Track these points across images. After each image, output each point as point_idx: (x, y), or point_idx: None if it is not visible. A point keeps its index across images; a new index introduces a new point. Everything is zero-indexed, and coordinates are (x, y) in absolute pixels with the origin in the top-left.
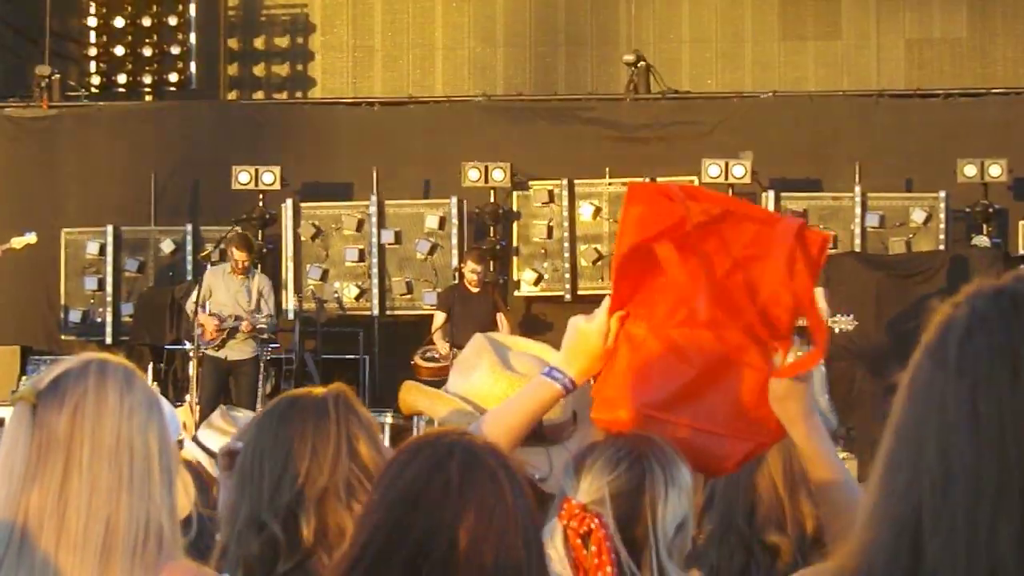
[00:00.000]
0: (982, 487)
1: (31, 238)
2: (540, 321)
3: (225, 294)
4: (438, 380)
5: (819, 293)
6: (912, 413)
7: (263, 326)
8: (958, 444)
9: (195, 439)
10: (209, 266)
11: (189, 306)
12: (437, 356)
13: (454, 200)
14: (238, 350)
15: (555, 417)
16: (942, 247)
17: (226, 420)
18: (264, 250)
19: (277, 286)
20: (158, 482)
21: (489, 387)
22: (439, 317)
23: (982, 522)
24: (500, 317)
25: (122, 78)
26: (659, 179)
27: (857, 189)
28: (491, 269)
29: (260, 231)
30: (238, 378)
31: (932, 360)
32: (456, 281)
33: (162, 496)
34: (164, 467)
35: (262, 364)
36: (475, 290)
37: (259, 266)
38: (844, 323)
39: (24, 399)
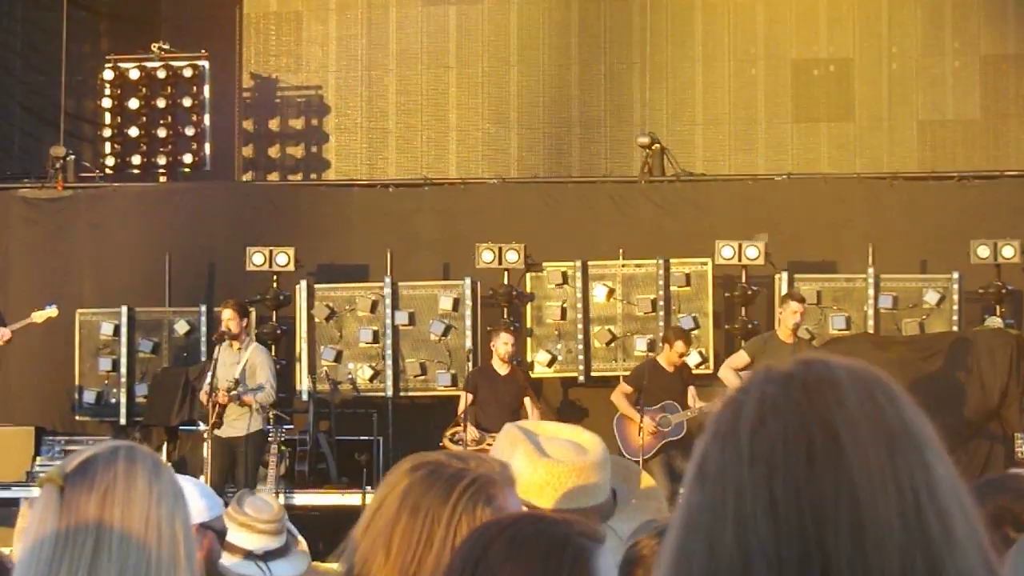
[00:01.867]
0: (783, 570)
1: (52, 311)
2: (555, 403)
3: (220, 369)
4: None
5: None
6: (705, 499)
7: (236, 393)
8: (756, 530)
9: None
10: (203, 351)
11: (204, 386)
12: (467, 441)
13: (468, 281)
14: (231, 427)
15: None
16: (955, 328)
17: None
18: (278, 331)
19: (291, 367)
20: (184, 569)
21: (529, 475)
22: (465, 399)
23: None
24: (528, 401)
25: (136, 159)
26: (673, 260)
27: (870, 271)
28: None
29: (274, 312)
30: (237, 457)
31: (724, 446)
32: (471, 362)
33: None
34: (188, 554)
35: (275, 443)
36: (504, 371)
37: (253, 336)
38: None
39: (52, 481)
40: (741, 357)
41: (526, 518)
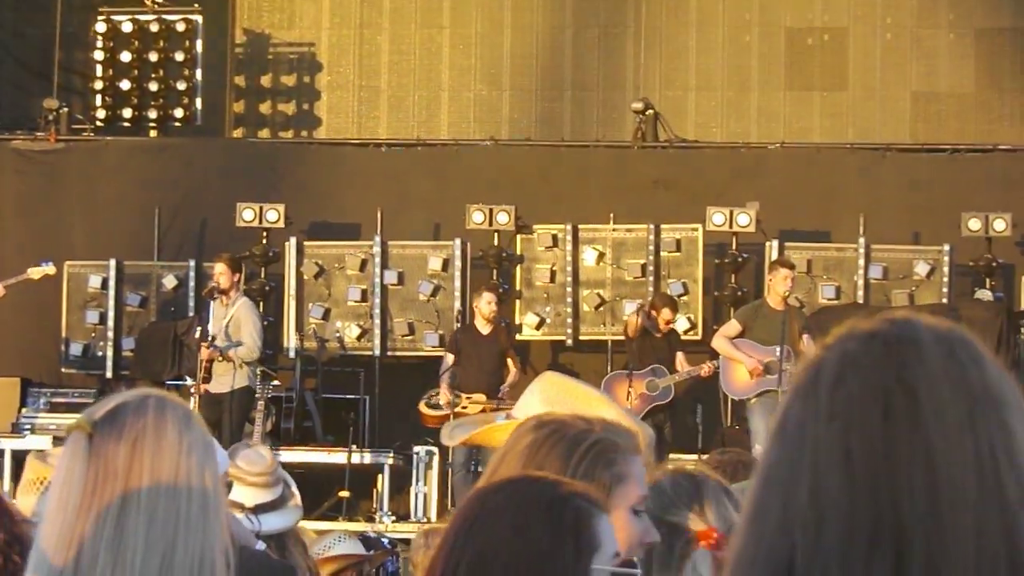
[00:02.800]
0: (855, 527)
1: (50, 268)
2: (542, 366)
3: (213, 324)
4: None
5: (806, 340)
6: (783, 455)
7: (217, 347)
8: (830, 485)
9: None
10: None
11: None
12: (441, 403)
13: (458, 242)
14: (219, 382)
15: None
16: (945, 300)
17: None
18: (267, 288)
19: (278, 324)
20: (212, 520)
21: None
22: (448, 359)
23: (856, 561)
24: (509, 361)
25: (127, 112)
26: (663, 226)
27: (861, 241)
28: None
29: (263, 268)
30: (222, 413)
31: (803, 403)
32: (459, 323)
33: (216, 534)
34: (218, 506)
35: (262, 399)
36: (485, 332)
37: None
38: None
39: (80, 429)
40: (733, 326)
41: (528, 477)
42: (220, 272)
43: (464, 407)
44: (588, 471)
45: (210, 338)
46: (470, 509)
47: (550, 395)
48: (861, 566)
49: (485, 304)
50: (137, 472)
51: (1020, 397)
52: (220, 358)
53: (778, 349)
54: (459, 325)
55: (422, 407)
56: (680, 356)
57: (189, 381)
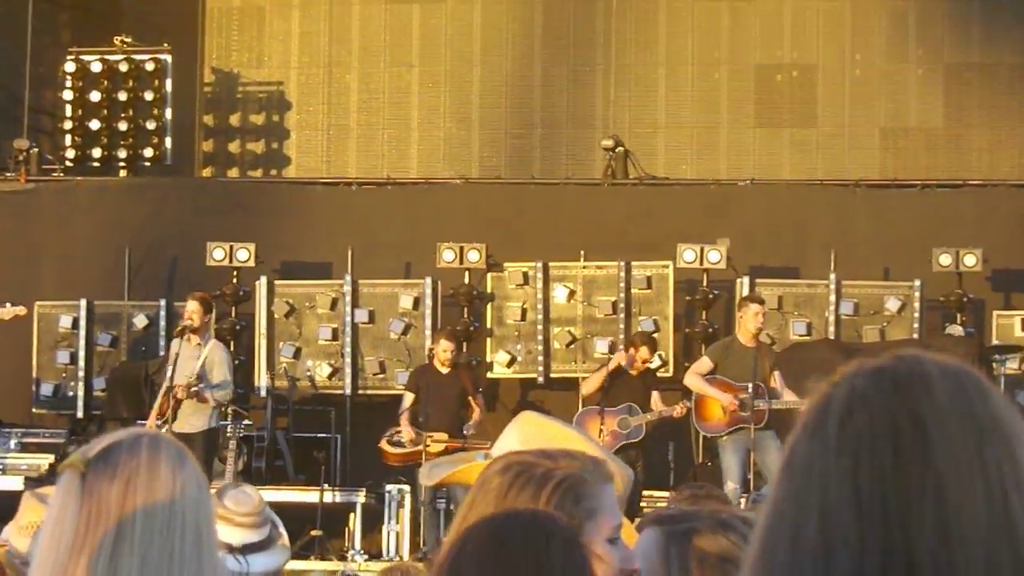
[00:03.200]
0: (866, 561)
1: (20, 309)
2: (513, 403)
3: (179, 365)
4: (405, 466)
5: (777, 377)
6: (791, 490)
7: (196, 388)
8: (840, 520)
9: None
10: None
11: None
12: (404, 441)
13: (428, 280)
14: (186, 422)
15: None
16: (916, 336)
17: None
18: (238, 327)
19: (249, 363)
20: (206, 559)
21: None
22: (408, 398)
23: None
24: (472, 401)
25: (97, 152)
26: (634, 263)
27: (832, 277)
28: (463, 350)
29: (234, 308)
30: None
31: (812, 438)
32: (427, 361)
33: (210, 573)
34: (211, 545)
35: (233, 439)
36: (445, 371)
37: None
38: None
39: (73, 467)
40: (704, 363)
41: (513, 511)
42: (193, 310)
43: (427, 445)
44: (558, 509)
45: (195, 378)
46: (453, 553)
47: (528, 434)
48: None
49: (441, 351)
50: (131, 511)
51: None
52: (197, 399)
53: (750, 386)
54: (419, 365)
55: (383, 445)
56: (655, 396)
57: (151, 421)
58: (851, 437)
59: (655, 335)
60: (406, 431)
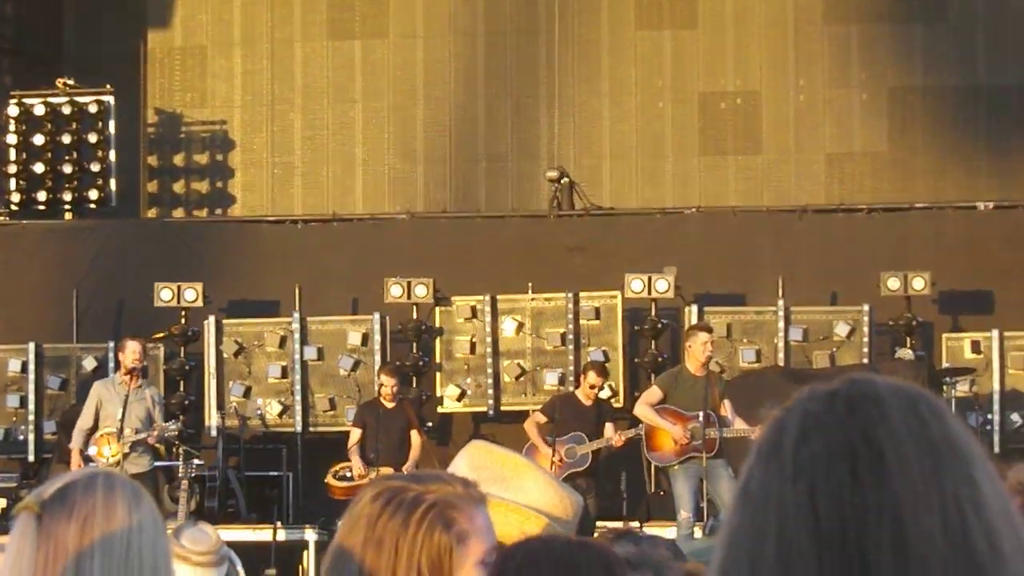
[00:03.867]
0: None
1: None
2: (464, 437)
3: (117, 407)
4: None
5: (727, 405)
6: (748, 516)
7: (172, 434)
8: (798, 545)
9: None
10: (96, 382)
11: (80, 425)
12: (350, 475)
13: (377, 316)
14: (135, 463)
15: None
16: (866, 360)
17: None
18: (187, 367)
19: (199, 402)
20: None
21: (549, 497)
22: (355, 433)
23: None
24: (414, 434)
25: (42, 195)
26: (582, 294)
27: (780, 303)
28: (413, 384)
29: (183, 348)
30: None
31: (767, 464)
32: (373, 397)
33: None
34: None
35: (185, 479)
36: (390, 405)
37: (161, 379)
38: None
39: (29, 509)
40: (654, 392)
41: (548, 537)
42: (138, 352)
43: (372, 478)
44: (427, 534)
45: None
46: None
47: (476, 462)
48: None
49: (383, 387)
50: (88, 550)
51: (983, 452)
52: (160, 443)
53: (700, 415)
54: (366, 400)
55: (330, 480)
56: (609, 427)
57: (76, 460)
58: (807, 461)
59: (606, 365)
60: (356, 465)
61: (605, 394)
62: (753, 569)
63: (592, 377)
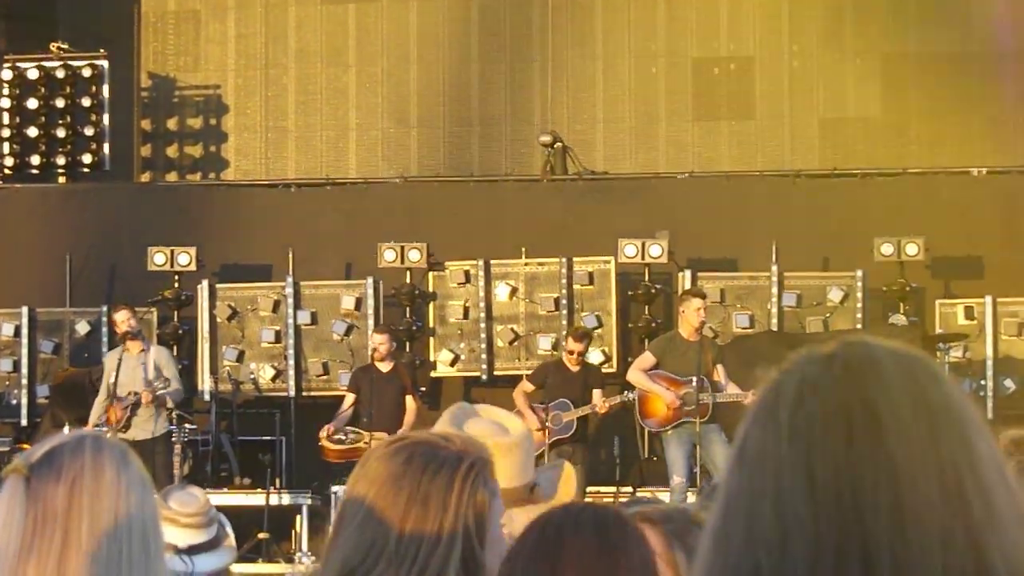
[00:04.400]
0: (821, 545)
1: None
2: (454, 402)
3: (123, 374)
4: (346, 462)
5: (720, 370)
6: (744, 478)
7: (163, 392)
8: (794, 507)
9: None
10: (104, 348)
11: (99, 398)
12: (343, 438)
13: (370, 281)
14: (142, 428)
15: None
16: (859, 326)
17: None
18: (180, 332)
19: (192, 367)
20: (154, 558)
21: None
22: (348, 398)
23: None
24: (409, 399)
25: (35, 159)
26: (576, 259)
27: (774, 268)
28: (407, 349)
29: (176, 312)
30: (147, 458)
31: (764, 426)
32: (369, 362)
33: (157, 573)
34: (158, 545)
35: (178, 443)
36: (385, 370)
37: (154, 339)
38: None
39: (17, 472)
40: (647, 358)
41: (585, 505)
42: (126, 318)
43: (367, 442)
44: (472, 491)
45: (163, 381)
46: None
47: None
48: None
49: (375, 347)
50: (76, 513)
51: (980, 414)
52: (159, 403)
53: (693, 380)
54: (360, 365)
55: (324, 441)
56: (597, 393)
57: (105, 430)
58: (803, 423)
59: (599, 331)
60: (334, 426)
61: (597, 359)
62: (750, 530)
63: (571, 343)
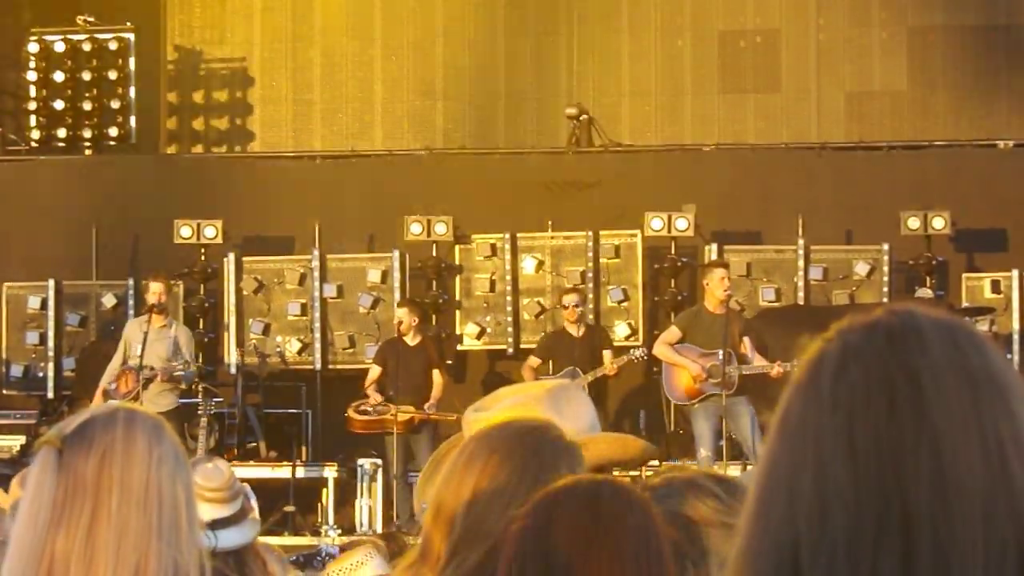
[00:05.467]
0: (862, 516)
1: None
2: (482, 375)
3: (139, 345)
4: (370, 433)
5: (747, 343)
6: (784, 449)
7: (180, 374)
8: (835, 477)
9: None
10: (129, 319)
11: (113, 364)
12: (369, 409)
13: (396, 254)
14: (153, 403)
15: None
16: (885, 299)
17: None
18: (206, 304)
19: (218, 339)
20: (186, 531)
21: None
22: (374, 371)
23: (863, 550)
24: (436, 373)
25: (62, 132)
26: (602, 232)
27: (800, 242)
28: (433, 322)
29: (202, 285)
30: None
31: (805, 395)
32: (395, 335)
33: (190, 546)
34: (191, 518)
35: (204, 416)
36: (412, 343)
37: (180, 317)
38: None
39: (50, 443)
40: (673, 332)
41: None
42: (159, 291)
43: (393, 414)
44: (556, 467)
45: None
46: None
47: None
48: (869, 555)
49: (401, 320)
50: (107, 485)
51: (1022, 383)
52: (173, 382)
53: (720, 353)
54: (387, 338)
55: (350, 412)
56: (607, 354)
57: (98, 397)
58: (845, 392)
59: (625, 304)
60: (373, 397)
61: (624, 332)
62: (791, 500)
63: (563, 299)
